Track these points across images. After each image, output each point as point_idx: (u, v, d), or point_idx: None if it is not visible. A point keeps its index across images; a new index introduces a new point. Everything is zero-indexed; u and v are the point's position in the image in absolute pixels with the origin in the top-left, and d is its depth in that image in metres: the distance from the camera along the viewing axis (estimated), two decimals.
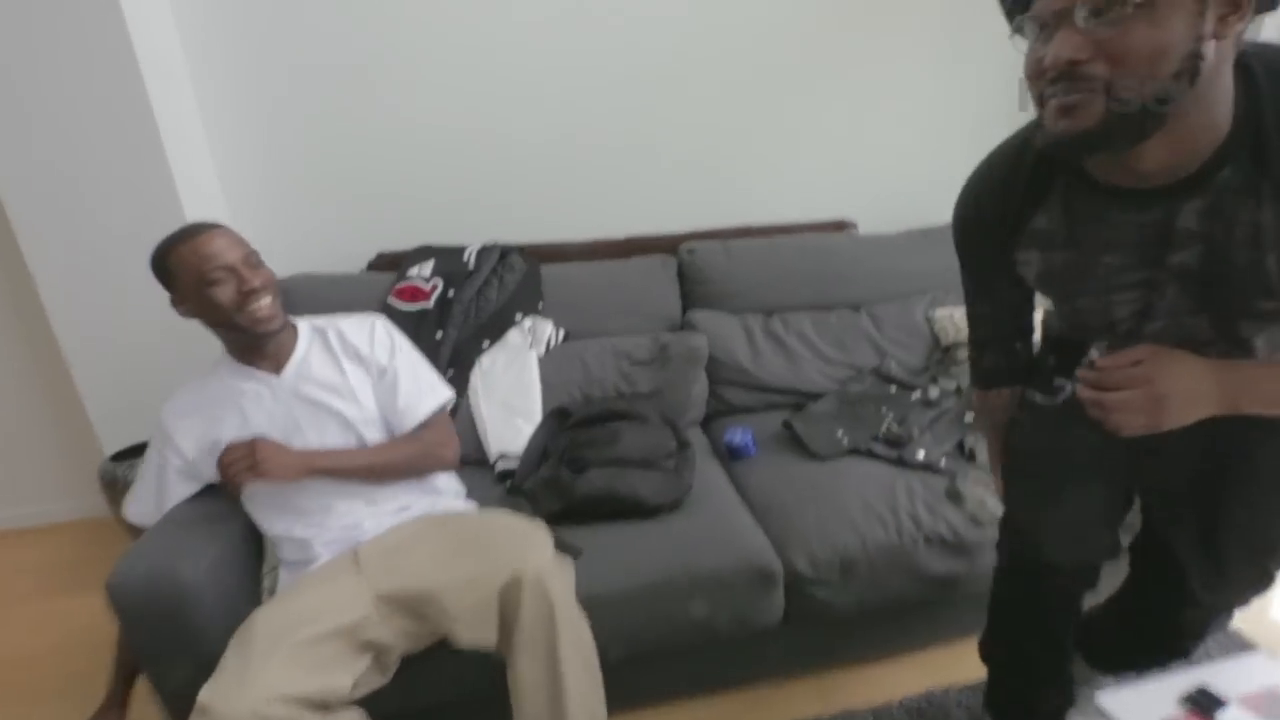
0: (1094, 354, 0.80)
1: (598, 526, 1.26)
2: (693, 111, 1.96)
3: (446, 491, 1.23)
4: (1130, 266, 0.72)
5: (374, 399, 1.16)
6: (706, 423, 1.71)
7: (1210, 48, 0.56)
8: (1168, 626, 1.11)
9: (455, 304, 1.54)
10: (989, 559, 1.16)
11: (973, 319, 0.96)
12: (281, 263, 1.74)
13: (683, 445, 1.42)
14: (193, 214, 1.63)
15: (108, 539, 1.92)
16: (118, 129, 1.52)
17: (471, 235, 1.89)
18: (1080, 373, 0.73)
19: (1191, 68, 0.56)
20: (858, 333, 1.78)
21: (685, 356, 1.58)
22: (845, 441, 1.51)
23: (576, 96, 1.87)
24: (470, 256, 1.63)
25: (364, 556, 1.06)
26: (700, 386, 1.64)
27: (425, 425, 1.18)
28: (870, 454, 1.49)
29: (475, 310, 1.57)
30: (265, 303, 1.06)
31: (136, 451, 1.68)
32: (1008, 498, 1.06)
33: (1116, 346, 0.76)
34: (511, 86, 1.83)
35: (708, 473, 1.45)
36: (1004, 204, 0.77)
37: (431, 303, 1.54)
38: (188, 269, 1.02)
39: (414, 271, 1.60)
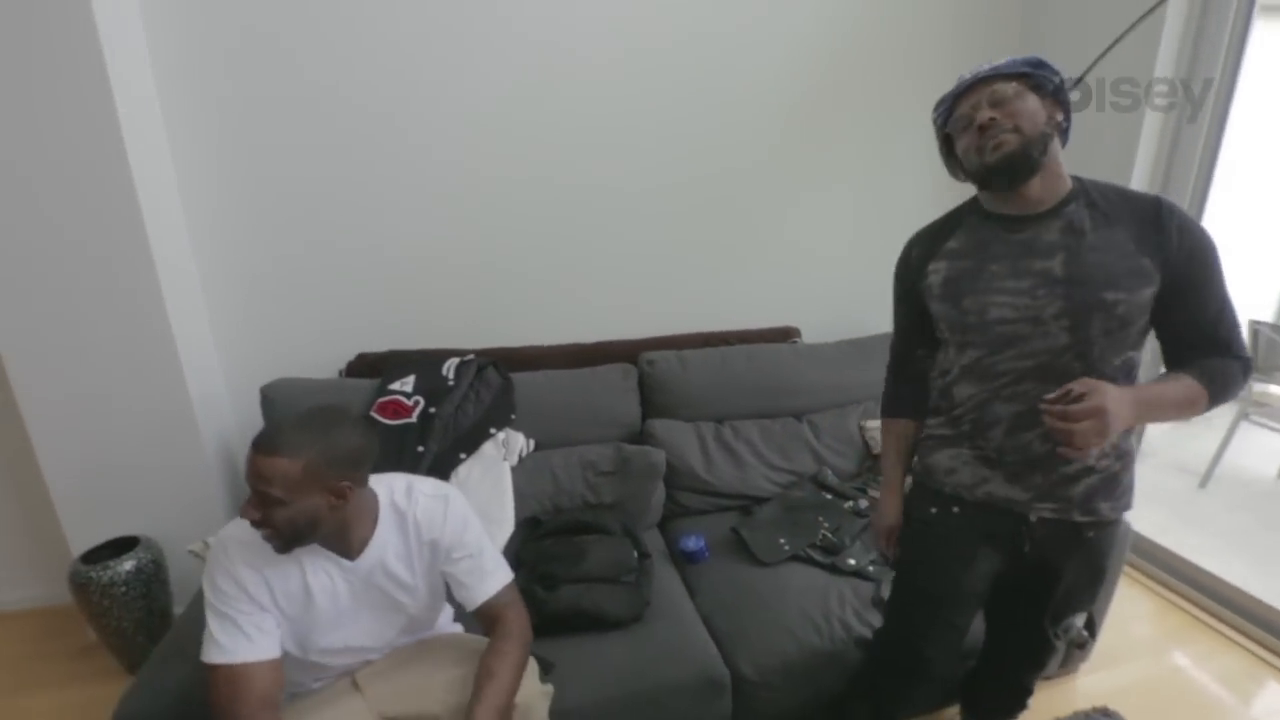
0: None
1: (567, 639, 1.40)
2: (656, 229, 2.18)
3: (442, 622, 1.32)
4: (1007, 274, 1.05)
5: (429, 581, 1.15)
6: (664, 523, 1.89)
7: (1051, 129, 1.01)
8: (1013, 689, 1.43)
9: (436, 419, 1.67)
10: None
11: (894, 346, 1.31)
12: (263, 366, 1.88)
13: (643, 557, 1.57)
14: (178, 322, 1.71)
15: (62, 630, 1.92)
16: (105, 235, 1.56)
17: (450, 339, 2.03)
18: (1045, 409, 0.95)
19: (1050, 130, 1.01)
20: (799, 441, 1.99)
21: (645, 471, 1.75)
22: (786, 548, 1.70)
23: (549, 214, 2.06)
24: (450, 371, 1.77)
25: (363, 680, 1.15)
26: (658, 496, 1.82)
27: (498, 604, 1.15)
28: (809, 560, 1.68)
29: (454, 424, 1.70)
30: None
31: (107, 551, 1.71)
32: (893, 605, 1.33)
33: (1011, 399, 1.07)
34: (489, 204, 1.99)
35: (665, 579, 1.61)
36: (931, 236, 1.18)
37: (414, 418, 1.67)
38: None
39: (396, 386, 1.72)
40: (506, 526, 1.63)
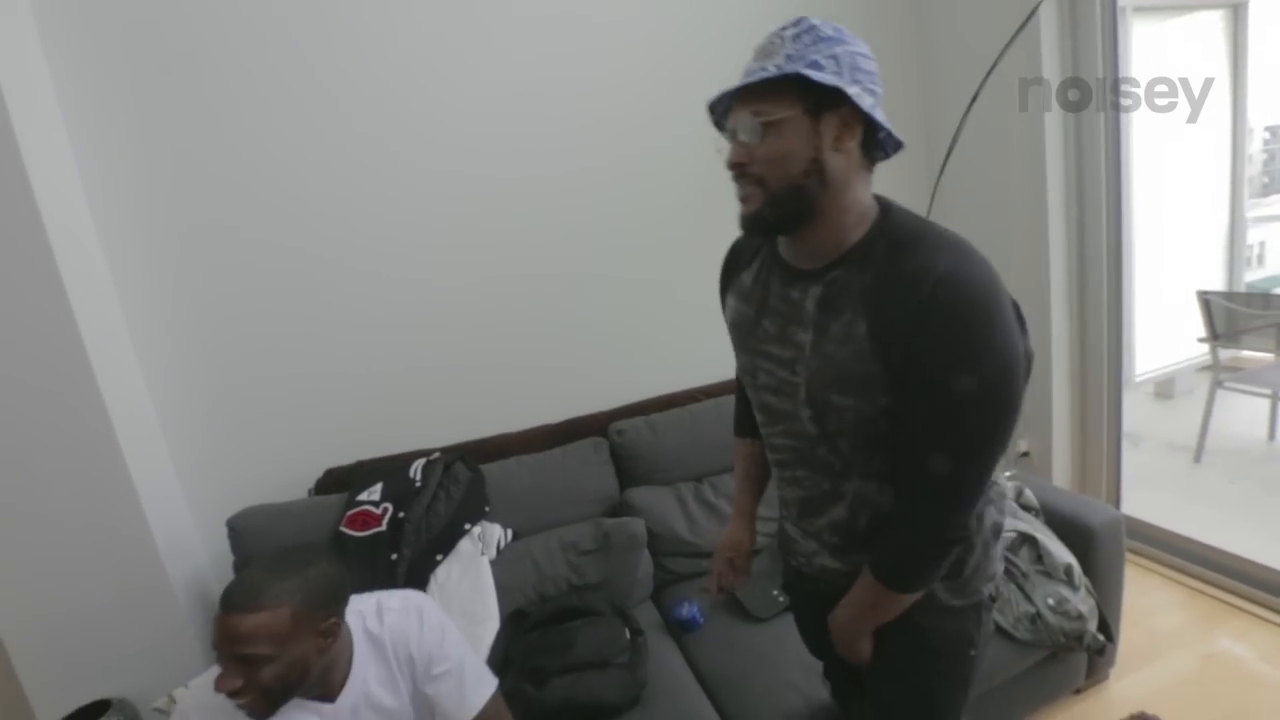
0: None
1: None
2: (607, 299, 2.21)
3: None
4: (774, 337, 0.87)
5: (416, 704, 1.09)
6: (656, 593, 1.83)
7: (833, 157, 0.76)
8: None
9: (407, 524, 1.64)
10: None
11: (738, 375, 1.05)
12: (230, 495, 1.84)
13: (635, 634, 1.51)
14: (134, 460, 1.66)
15: None
16: (48, 367, 1.49)
17: (418, 440, 2.01)
18: None
19: (818, 170, 0.76)
20: None
21: (626, 543, 1.71)
22: (781, 600, 1.64)
23: (500, 304, 2.09)
24: (416, 473, 1.75)
25: None
26: (645, 567, 1.77)
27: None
28: None
29: (426, 526, 1.67)
30: None
31: None
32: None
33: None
34: (441, 305, 2.03)
35: (662, 654, 1.55)
36: (733, 263, 0.99)
37: (384, 526, 1.63)
38: None
39: (364, 496, 1.69)
40: (492, 623, 1.56)
